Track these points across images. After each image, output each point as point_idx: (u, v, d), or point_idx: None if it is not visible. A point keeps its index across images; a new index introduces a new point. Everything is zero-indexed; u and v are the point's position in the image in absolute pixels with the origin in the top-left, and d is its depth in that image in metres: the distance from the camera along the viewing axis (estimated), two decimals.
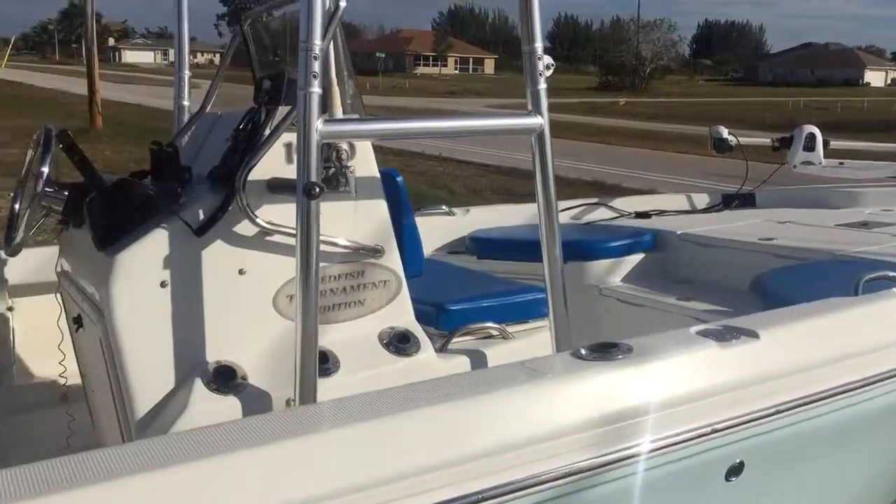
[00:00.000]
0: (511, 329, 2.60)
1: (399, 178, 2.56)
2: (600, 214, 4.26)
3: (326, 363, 2.17)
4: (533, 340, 2.58)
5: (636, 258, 3.73)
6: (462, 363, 2.39)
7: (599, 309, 3.58)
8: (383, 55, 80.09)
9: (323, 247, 2.22)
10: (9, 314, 3.02)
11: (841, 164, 4.35)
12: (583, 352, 1.66)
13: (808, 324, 1.85)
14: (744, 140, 4.37)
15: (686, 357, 1.66)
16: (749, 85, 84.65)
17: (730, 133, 4.32)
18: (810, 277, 2.86)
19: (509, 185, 15.79)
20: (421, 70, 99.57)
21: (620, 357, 1.61)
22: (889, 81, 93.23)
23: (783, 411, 1.70)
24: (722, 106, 44.86)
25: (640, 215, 4.22)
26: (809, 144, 4.27)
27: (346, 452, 1.41)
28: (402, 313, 2.36)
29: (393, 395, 1.50)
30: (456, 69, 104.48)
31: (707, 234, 3.70)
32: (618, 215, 4.24)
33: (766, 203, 4.39)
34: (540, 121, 2.18)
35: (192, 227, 2.07)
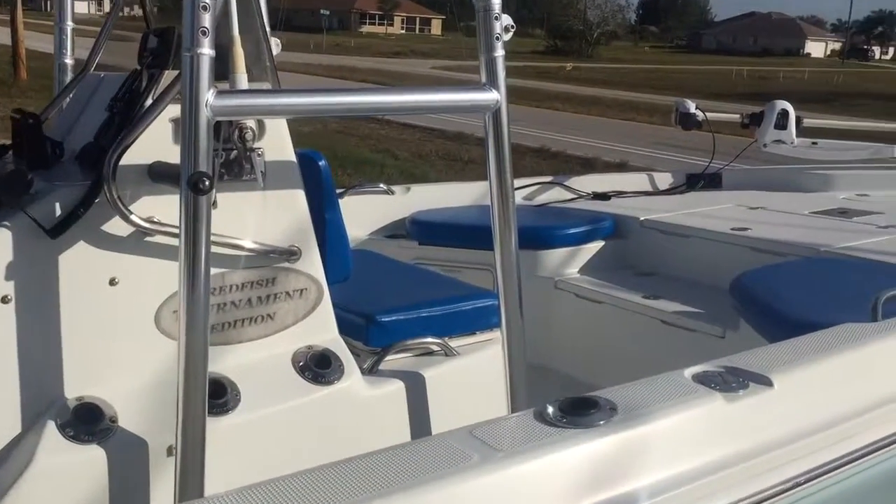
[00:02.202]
0: (455, 343, 2.19)
1: (322, 163, 2.11)
2: (555, 195, 3.86)
3: (222, 397, 1.73)
4: (481, 357, 2.18)
5: (595, 246, 3.35)
6: (394, 392, 1.97)
7: (554, 305, 3.20)
8: (327, 12, 78.18)
9: (221, 249, 1.77)
10: None
11: (814, 143, 4.02)
12: (550, 411, 1.25)
13: (829, 364, 1.48)
14: (711, 116, 4.01)
15: (686, 417, 1.27)
16: (693, 53, 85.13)
17: (697, 108, 3.96)
18: (799, 279, 2.51)
19: (455, 150, 15.37)
20: (366, 29, 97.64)
21: (602, 423, 1.21)
22: (829, 52, 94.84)
23: (803, 483, 1.34)
24: (667, 73, 44.90)
25: (598, 196, 3.83)
26: (781, 122, 3.93)
27: None
28: (322, 329, 1.93)
29: (291, 484, 1.08)
30: (402, 29, 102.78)
31: (673, 222, 3.33)
32: (574, 196, 3.84)
33: (733, 184, 4.04)
34: (495, 96, 1.75)
35: (43, 226, 1.60)
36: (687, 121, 3.93)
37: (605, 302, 3.06)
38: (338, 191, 3.53)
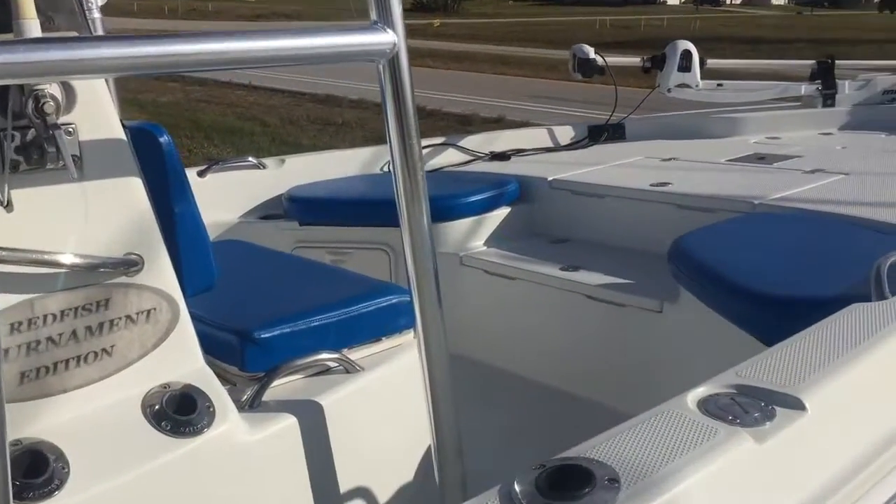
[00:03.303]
0: (357, 355, 1.76)
1: (163, 138, 1.60)
2: (449, 158, 3.45)
3: (43, 472, 1.24)
4: (391, 370, 1.76)
5: (500, 214, 2.97)
6: (285, 431, 1.53)
7: (462, 284, 2.80)
8: None
9: (24, 268, 1.28)
10: None
11: (720, 85, 3.77)
12: (520, 491, 0.84)
13: (864, 368, 1.14)
14: (611, 61, 3.68)
15: (712, 476, 0.89)
16: (557, 5, 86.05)
17: (596, 52, 3.61)
18: (751, 241, 2.19)
19: (327, 113, 14.77)
20: None
21: None
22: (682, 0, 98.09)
23: None
24: (534, 26, 45.07)
25: (496, 157, 3.45)
26: (684, 64, 3.64)
27: None
28: (181, 359, 1.45)
29: None
30: None
31: (584, 180, 2.98)
32: (471, 158, 3.44)
33: (637, 134, 3.73)
34: (391, 38, 1.32)
35: None
36: (587, 67, 3.58)
37: (520, 277, 2.68)
38: (199, 168, 3.01)
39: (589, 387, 2.47)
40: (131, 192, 1.40)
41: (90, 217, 1.35)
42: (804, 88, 3.73)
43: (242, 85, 17.67)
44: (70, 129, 1.30)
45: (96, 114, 1.35)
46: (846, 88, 3.72)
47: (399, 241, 3.19)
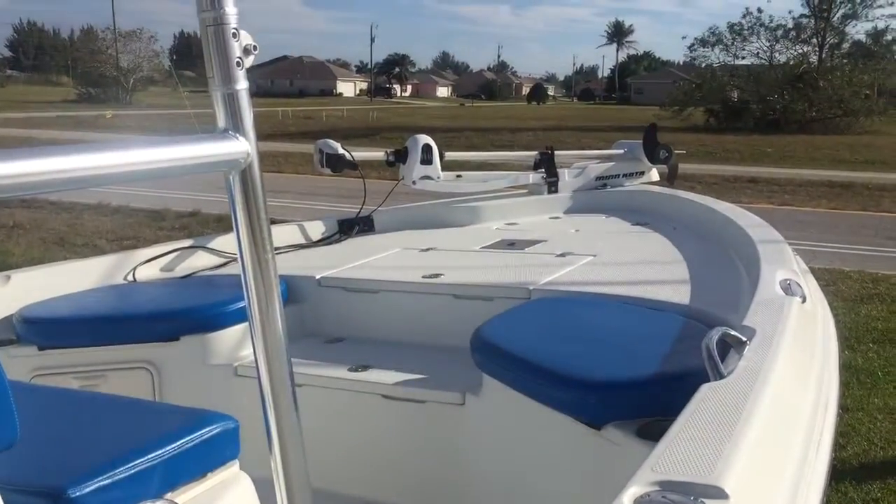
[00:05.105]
0: (183, 497, 1.54)
1: None
2: (200, 261, 3.22)
3: None
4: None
5: None
6: None
7: (240, 398, 2.59)
8: None
9: None
10: None
11: (459, 176, 3.95)
12: None
13: (752, 447, 1.21)
14: (358, 155, 3.70)
15: None
16: None
17: (343, 148, 3.62)
18: (555, 326, 2.26)
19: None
20: None
21: None
22: (358, 91, 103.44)
23: None
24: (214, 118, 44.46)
25: None
26: (426, 157, 3.78)
27: None
28: None
29: None
30: None
31: (354, 276, 2.94)
32: (225, 260, 3.25)
33: (385, 226, 3.78)
34: (244, 147, 1.22)
35: None
36: (338, 163, 3.56)
37: (307, 384, 2.54)
38: None
39: (405, 491, 2.38)
40: None
41: None
42: (532, 177, 4.05)
43: None
44: None
45: None
46: (566, 176, 4.10)
47: (162, 358, 2.88)
